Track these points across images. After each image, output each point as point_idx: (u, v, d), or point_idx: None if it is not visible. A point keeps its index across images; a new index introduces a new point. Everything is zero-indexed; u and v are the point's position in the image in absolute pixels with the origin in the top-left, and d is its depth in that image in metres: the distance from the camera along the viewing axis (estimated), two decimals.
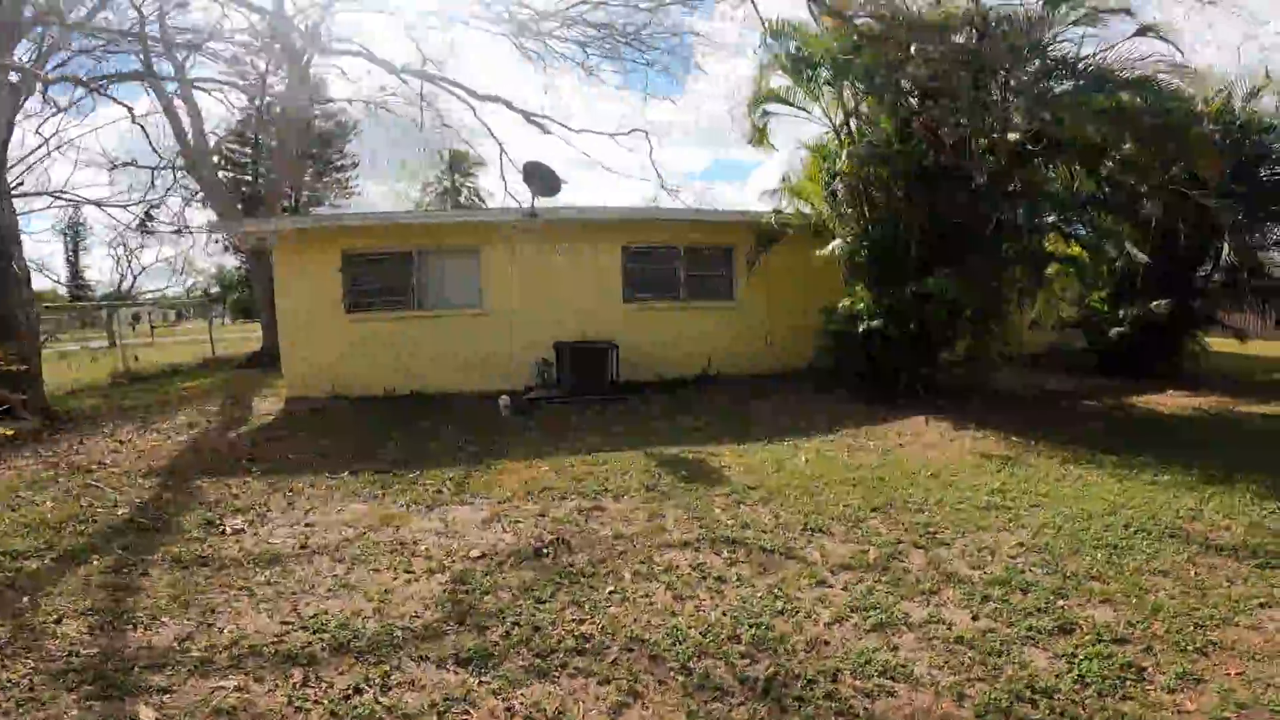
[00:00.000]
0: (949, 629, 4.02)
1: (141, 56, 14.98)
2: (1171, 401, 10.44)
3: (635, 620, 4.14)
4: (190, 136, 16.39)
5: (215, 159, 18.56)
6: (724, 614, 4.21)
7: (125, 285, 21.59)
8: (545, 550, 5.23)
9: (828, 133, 10.77)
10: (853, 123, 10.56)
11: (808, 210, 11.55)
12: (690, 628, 4.03)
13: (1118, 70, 9.04)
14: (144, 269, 21.26)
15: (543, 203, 12.48)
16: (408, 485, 7.03)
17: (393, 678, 3.56)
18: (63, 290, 28.70)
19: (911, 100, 10.18)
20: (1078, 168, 10.64)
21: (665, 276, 13.28)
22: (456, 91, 17.20)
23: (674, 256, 13.27)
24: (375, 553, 5.25)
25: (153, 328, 23.93)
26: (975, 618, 4.14)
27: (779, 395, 11.48)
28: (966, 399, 10.47)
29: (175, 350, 20.48)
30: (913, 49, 9.54)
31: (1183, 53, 9.07)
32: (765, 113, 11.66)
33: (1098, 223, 11.11)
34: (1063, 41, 9.22)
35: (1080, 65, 9.27)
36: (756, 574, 4.83)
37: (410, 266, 12.22)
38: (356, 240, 12.12)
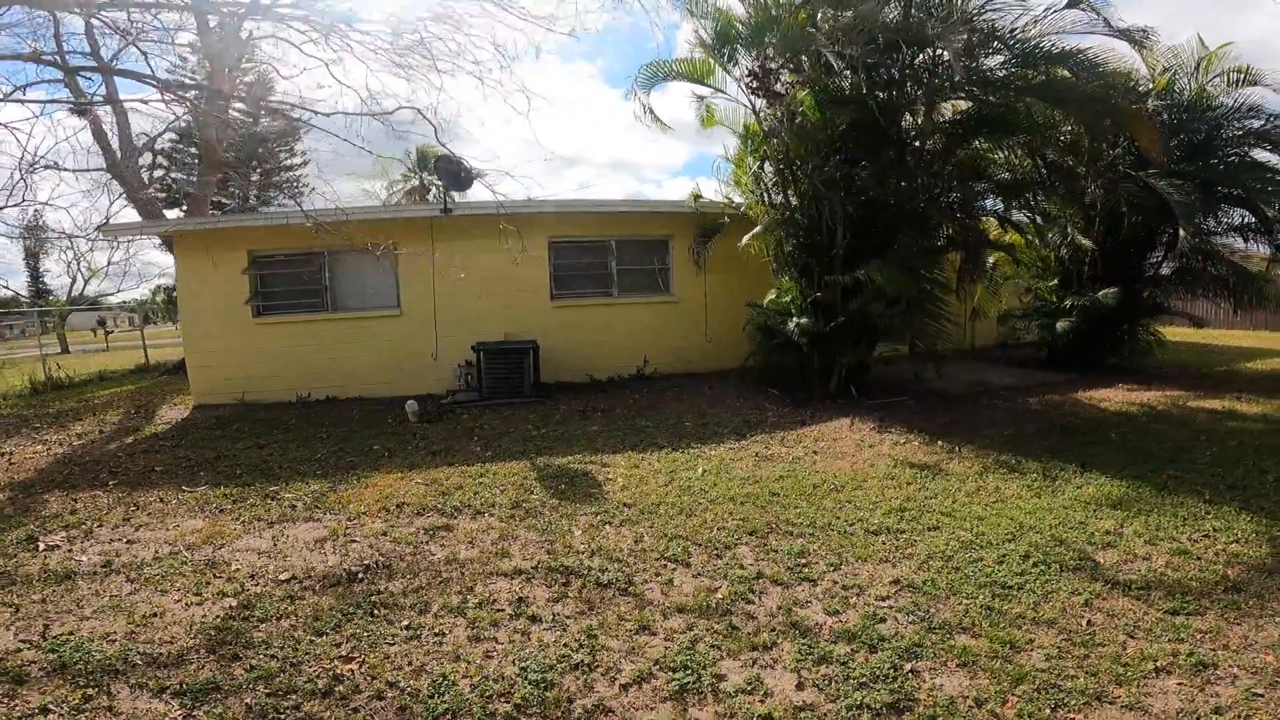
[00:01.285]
0: (762, 701, 3.16)
1: (60, 58, 13.98)
2: (1119, 397, 9.54)
3: (409, 663, 3.57)
4: (114, 138, 15.43)
5: (153, 159, 17.66)
6: (513, 663, 3.53)
7: (77, 290, 20.59)
8: (361, 575, 4.64)
9: (752, 113, 9.81)
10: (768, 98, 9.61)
11: (739, 199, 10.62)
12: (463, 678, 3.42)
13: (1047, 44, 8.12)
14: (93, 274, 20.27)
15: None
16: (261, 500, 6.41)
17: (91, 703, 3.26)
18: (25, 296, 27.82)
19: (837, 76, 9.24)
20: (1018, 150, 9.76)
21: (596, 271, 12.37)
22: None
23: (605, 250, 12.34)
24: (176, 573, 4.79)
25: (108, 333, 22.91)
26: (801, 685, 3.28)
27: (710, 395, 10.59)
28: (902, 397, 9.57)
29: (126, 356, 19.55)
30: (835, 16, 8.60)
31: (1110, 24, 8.11)
32: (700, 98, 10.70)
33: (1039, 206, 10.20)
34: (992, 12, 8.26)
35: (1010, 38, 8.32)
36: (578, 613, 4.08)
37: (321, 267, 11.29)
38: (264, 241, 11.18)
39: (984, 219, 9.93)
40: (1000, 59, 8.47)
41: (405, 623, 3.99)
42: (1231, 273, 10.90)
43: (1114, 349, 11.72)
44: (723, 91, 9.88)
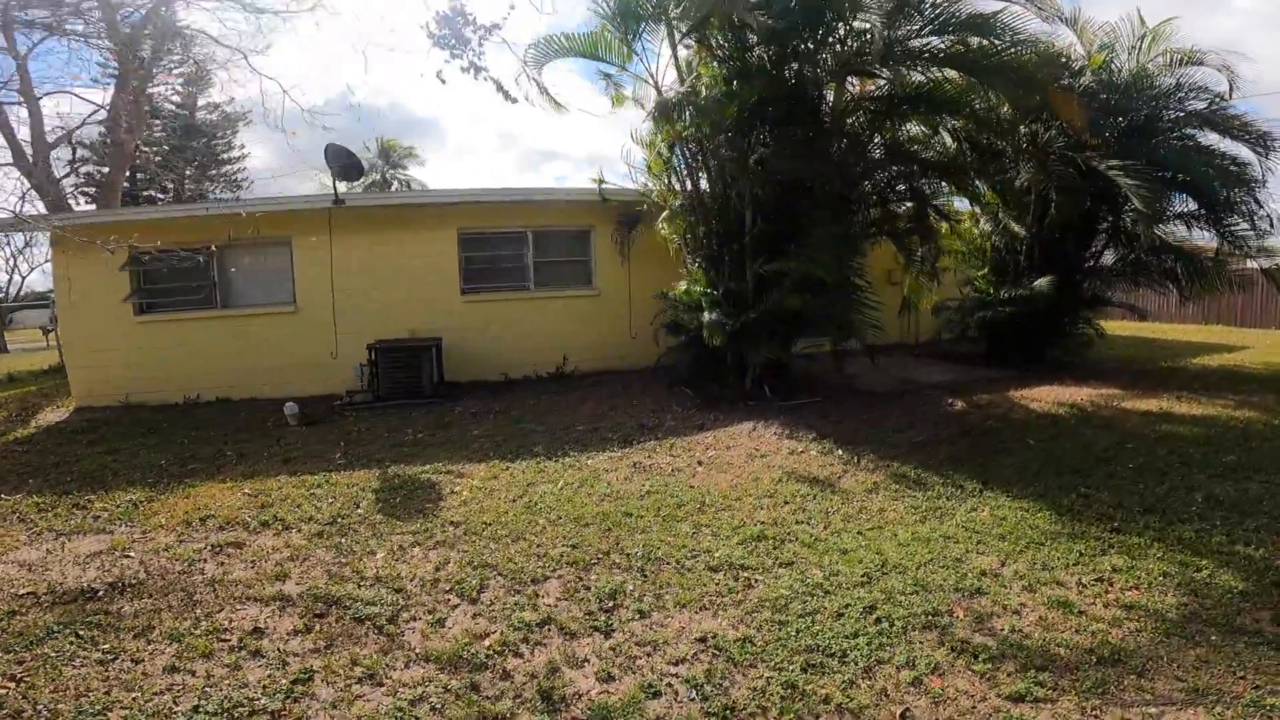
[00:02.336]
0: None
1: None
2: (1051, 395, 8.65)
3: (76, 689, 3.13)
4: (26, 131, 14.38)
5: (74, 152, 16.58)
6: (191, 700, 3.03)
7: (15, 286, 19.48)
8: (103, 593, 4.12)
9: (656, 91, 8.82)
10: (679, 74, 8.62)
11: (652, 184, 9.66)
12: (121, 709, 2.97)
13: (963, 10, 7.18)
14: (32, 269, 19.14)
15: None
16: (69, 509, 5.79)
17: None
18: None
19: (748, 49, 8.28)
20: (946, 130, 8.83)
21: (512, 264, 11.39)
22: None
23: (521, 241, 11.36)
24: None
25: (46, 332, 21.78)
26: None
27: (622, 395, 9.66)
28: (817, 398, 8.65)
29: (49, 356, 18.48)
30: None
31: None
32: (606, 76, 9.70)
33: (974, 191, 9.29)
34: None
35: (927, 6, 7.38)
36: (310, 651, 3.45)
37: (209, 262, 10.28)
38: (146, 235, 10.12)
39: (911, 204, 8.97)
40: (916, 26, 7.50)
41: (107, 646, 3.50)
42: (1178, 261, 10.00)
43: (1055, 343, 10.83)
44: (625, 69, 8.89)
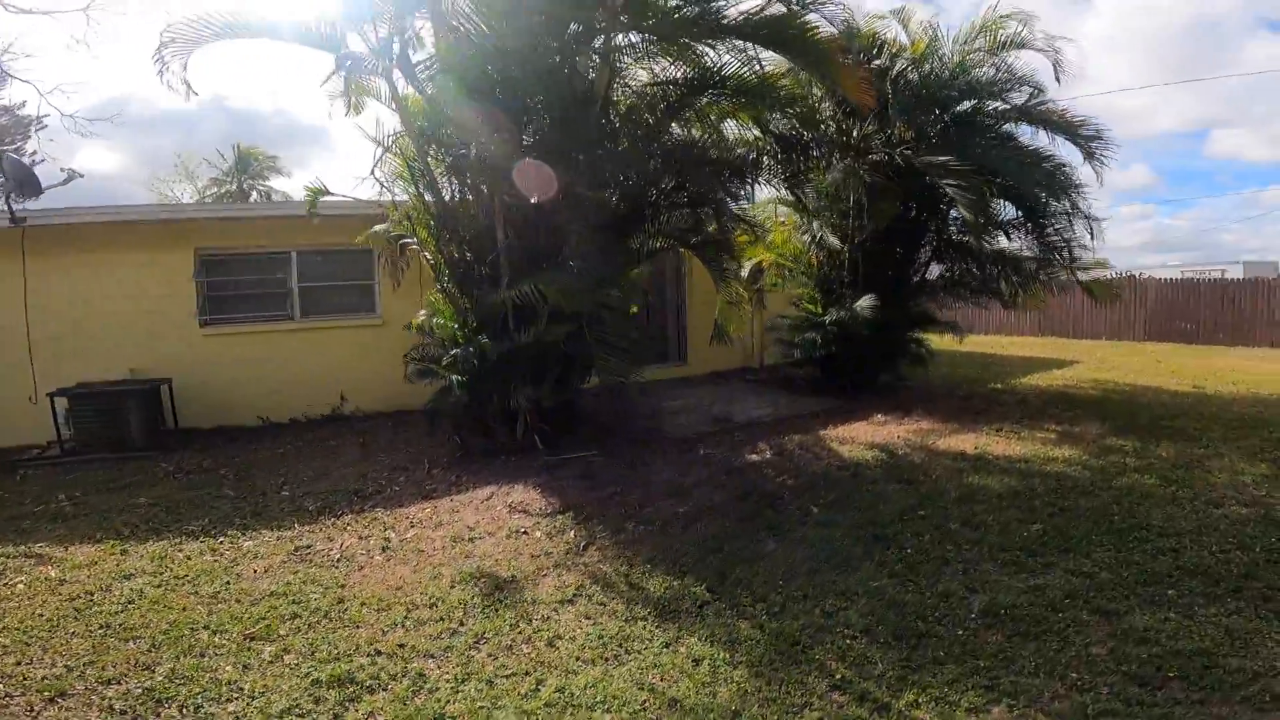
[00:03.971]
0: None
1: None
2: (865, 435, 7.28)
3: None
4: None
5: None
6: None
7: None
8: None
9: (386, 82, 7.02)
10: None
11: (401, 195, 7.84)
12: None
13: None
14: None
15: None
16: None
17: None
18: None
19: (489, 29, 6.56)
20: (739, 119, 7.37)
21: (270, 290, 9.31)
22: None
23: (281, 264, 9.31)
24: None
25: None
26: None
27: (386, 443, 7.88)
28: (592, 451, 7.00)
29: None
30: None
31: None
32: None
33: (799, 199, 7.87)
34: None
35: None
36: None
37: None
38: None
39: (709, 211, 7.42)
40: None
41: None
42: (1001, 275, 8.91)
43: (888, 365, 9.58)
44: (354, 55, 7.02)
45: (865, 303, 8.24)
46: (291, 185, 29.13)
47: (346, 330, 9.59)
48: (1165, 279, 17.95)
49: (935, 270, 9.39)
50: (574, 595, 4.08)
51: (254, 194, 28.04)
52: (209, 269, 8.99)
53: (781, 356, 10.04)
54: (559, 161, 6.46)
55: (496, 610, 3.93)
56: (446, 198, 7.04)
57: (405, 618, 3.84)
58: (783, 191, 7.92)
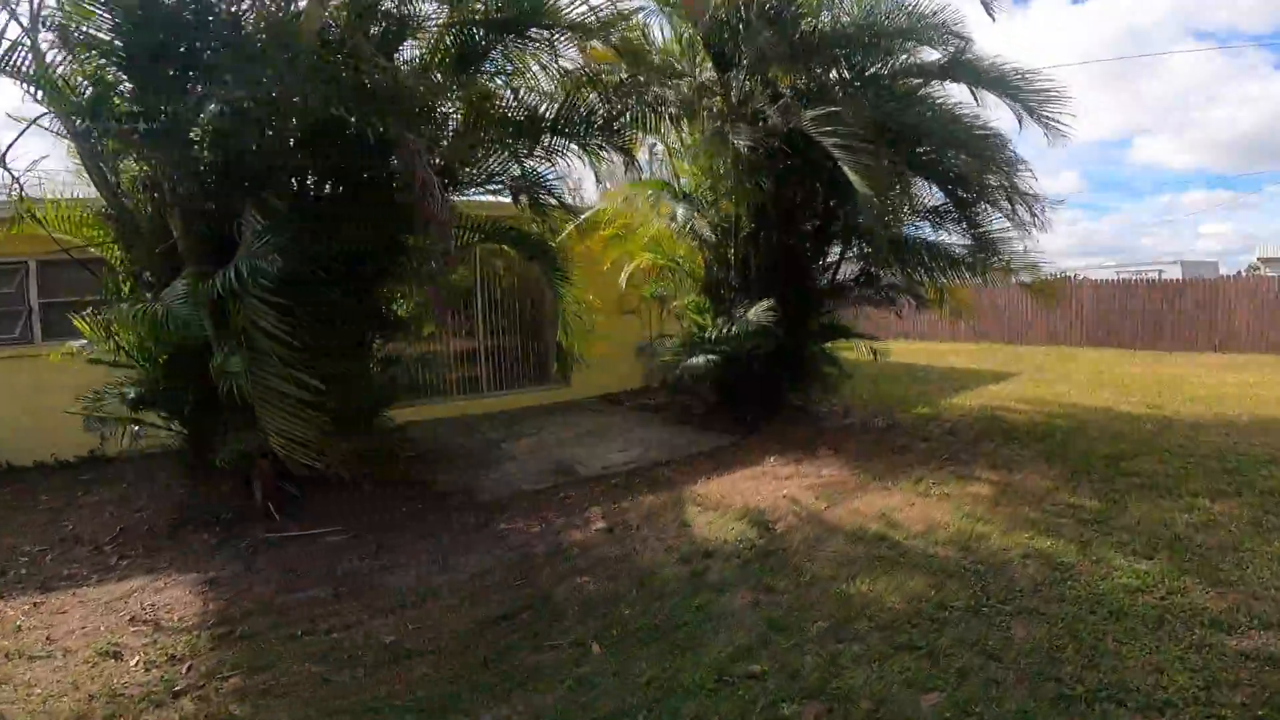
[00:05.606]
0: None
1: None
2: (742, 496, 5.29)
3: None
4: None
5: None
6: None
7: None
8: None
9: None
10: None
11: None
12: None
13: None
14: None
15: None
16: None
17: None
18: None
19: None
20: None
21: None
22: None
23: (16, 276, 6.96)
24: None
25: None
26: None
27: (95, 500, 5.60)
28: (338, 528, 4.85)
29: None
30: None
31: None
32: None
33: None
34: None
35: None
36: None
37: None
38: None
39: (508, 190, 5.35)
40: None
41: None
42: (937, 268, 7.03)
43: (796, 385, 7.64)
44: None
45: (759, 313, 6.23)
46: None
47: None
48: (1101, 280, 16.42)
49: (850, 270, 7.45)
50: None
51: None
52: None
53: (669, 378, 8.01)
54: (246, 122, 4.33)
55: None
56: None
57: None
58: (616, 160, 5.88)
